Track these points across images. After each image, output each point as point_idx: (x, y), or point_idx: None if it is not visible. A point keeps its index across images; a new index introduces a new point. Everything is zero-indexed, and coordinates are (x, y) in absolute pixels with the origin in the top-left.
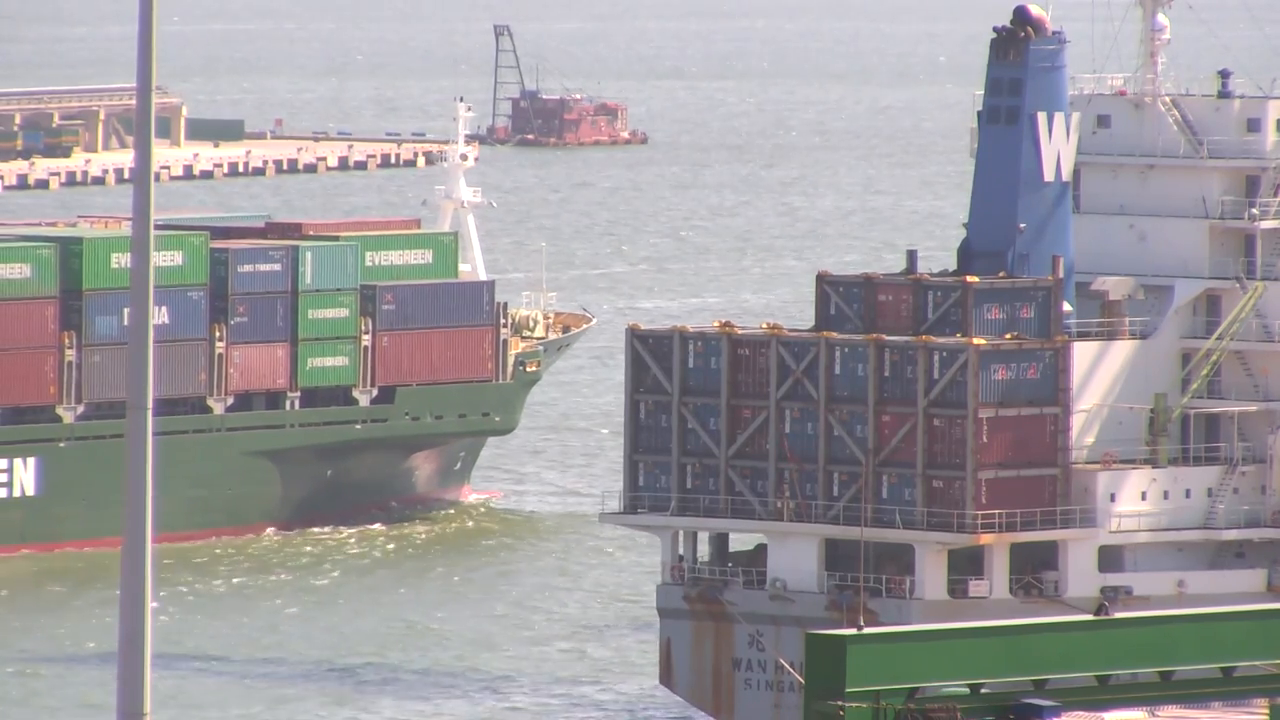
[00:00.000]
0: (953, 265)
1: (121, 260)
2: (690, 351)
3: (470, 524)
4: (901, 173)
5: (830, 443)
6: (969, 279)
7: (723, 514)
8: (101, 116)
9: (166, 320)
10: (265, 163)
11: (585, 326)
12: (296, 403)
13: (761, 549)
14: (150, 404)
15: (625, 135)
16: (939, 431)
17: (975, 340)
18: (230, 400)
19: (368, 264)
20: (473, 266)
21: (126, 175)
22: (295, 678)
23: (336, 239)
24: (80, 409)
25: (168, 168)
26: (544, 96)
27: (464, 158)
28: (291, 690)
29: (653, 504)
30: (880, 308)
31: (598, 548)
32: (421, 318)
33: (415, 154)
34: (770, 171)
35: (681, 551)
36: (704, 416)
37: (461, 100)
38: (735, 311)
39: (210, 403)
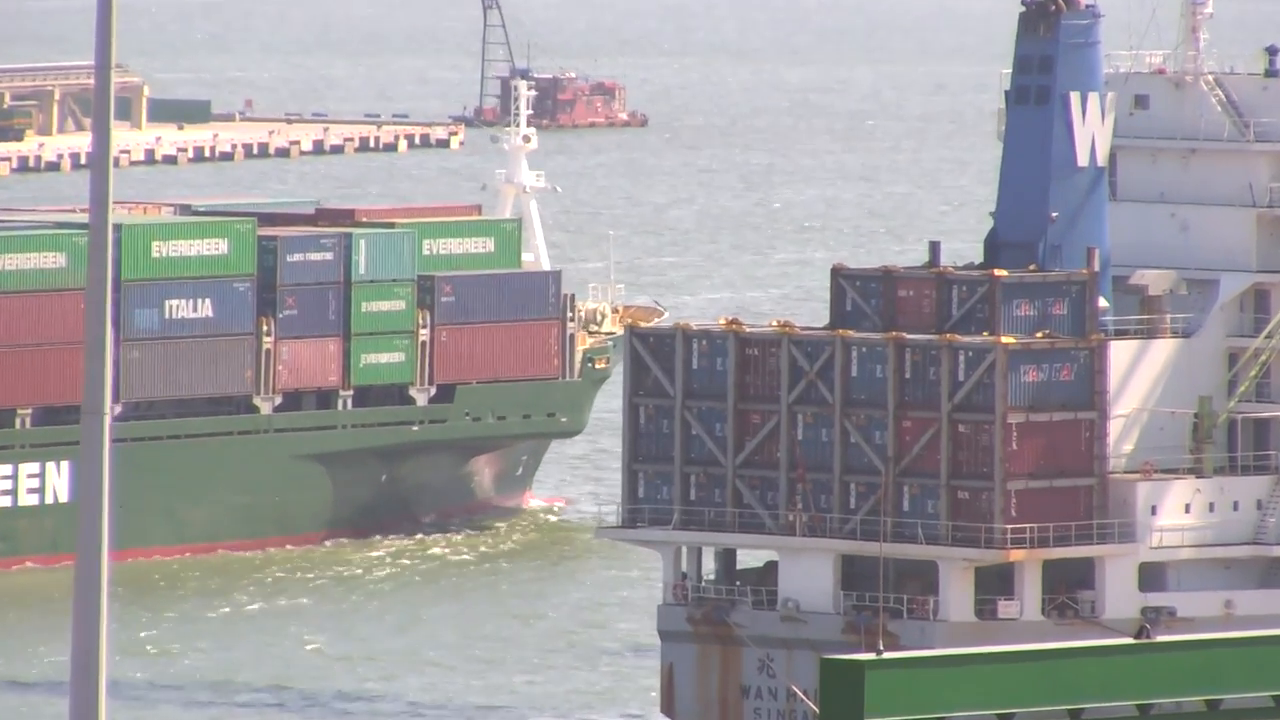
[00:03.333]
0: (979, 258)
1: (163, 249)
2: (694, 351)
3: (504, 535)
4: (921, 156)
5: (846, 451)
6: (997, 273)
7: (729, 528)
8: (56, 97)
9: (211, 313)
10: (234, 146)
11: (656, 321)
12: (349, 402)
13: (772, 566)
14: (108, 409)
15: (624, 117)
16: (964, 438)
17: (1004, 339)
18: (278, 399)
19: (425, 253)
20: (536, 256)
21: (83, 160)
22: (277, 705)
23: (392, 226)
24: (118, 409)
25: (128, 152)
26: (536, 75)
27: (526, 139)
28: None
29: (653, 517)
30: (900, 304)
31: (597, 563)
32: (483, 310)
33: (396, 137)
34: (777, 157)
35: (685, 569)
36: (709, 422)
37: (524, 78)
38: (742, 308)
39: (257, 402)
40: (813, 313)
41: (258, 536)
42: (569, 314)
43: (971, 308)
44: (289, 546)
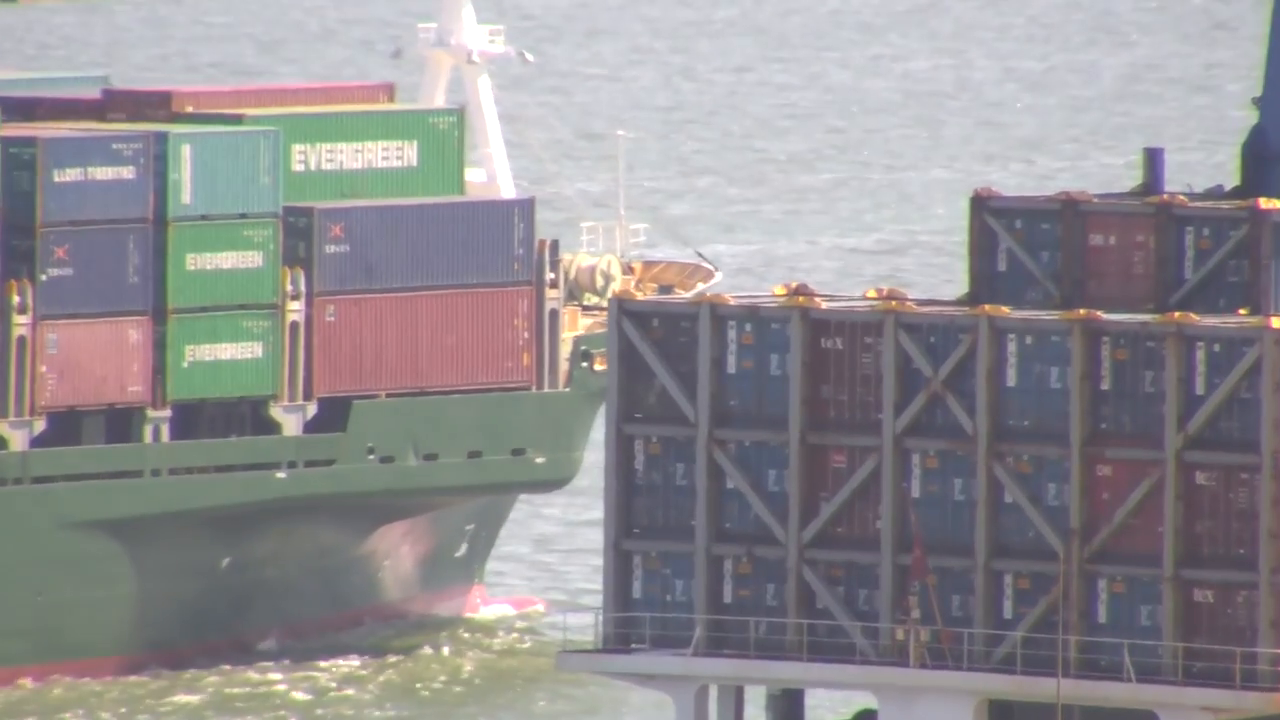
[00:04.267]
0: (1232, 178)
1: None
2: (732, 342)
3: (428, 665)
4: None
5: (998, 518)
6: (1265, 204)
7: (793, 652)
8: None
9: None
10: None
11: (702, 288)
12: (165, 430)
13: (869, 717)
14: None
15: None
16: (1206, 496)
17: (1277, 321)
18: (41, 425)
19: (297, 168)
20: (490, 173)
21: None
22: None
23: (239, 121)
24: None
25: None
26: None
27: None
28: None
29: (659, 635)
30: (1093, 259)
31: (570, 711)
32: (399, 269)
33: None
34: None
35: None
36: (758, 467)
37: None
38: (806, 266)
39: (3, 430)
40: (935, 275)
41: (3, 665)
42: (549, 275)
43: (1219, 265)
44: (57, 682)
